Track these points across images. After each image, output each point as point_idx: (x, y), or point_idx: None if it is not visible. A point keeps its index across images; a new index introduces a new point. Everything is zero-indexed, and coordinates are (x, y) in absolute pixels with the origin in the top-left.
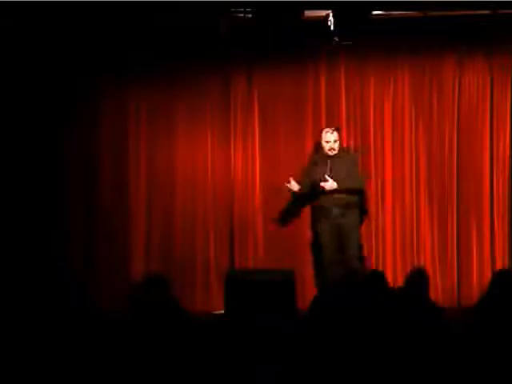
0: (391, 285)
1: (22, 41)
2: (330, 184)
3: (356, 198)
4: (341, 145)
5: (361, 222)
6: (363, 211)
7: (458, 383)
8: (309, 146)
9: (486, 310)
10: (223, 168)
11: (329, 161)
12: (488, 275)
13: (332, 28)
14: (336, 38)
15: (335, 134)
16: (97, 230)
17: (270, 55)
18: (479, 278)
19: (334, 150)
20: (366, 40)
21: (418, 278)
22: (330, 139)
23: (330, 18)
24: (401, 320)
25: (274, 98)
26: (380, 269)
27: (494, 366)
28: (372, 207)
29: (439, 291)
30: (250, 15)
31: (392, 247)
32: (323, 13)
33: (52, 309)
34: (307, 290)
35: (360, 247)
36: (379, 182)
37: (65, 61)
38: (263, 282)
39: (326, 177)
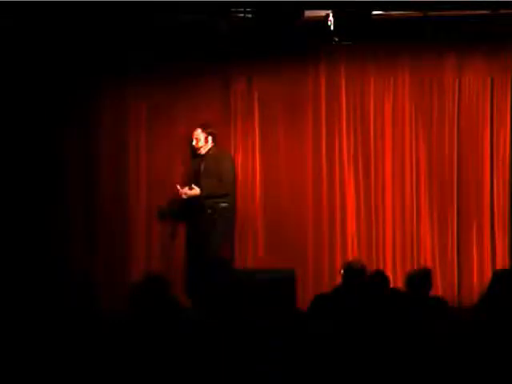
0: (391, 285)
1: (22, 41)
2: (190, 192)
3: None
4: (215, 144)
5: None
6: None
7: (458, 383)
8: (309, 146)
9: (486, 309)
10: None
11: (202, 160)
12: (488, 275)
13: (332, 28)
14: (336, 38)
15: (197, 131)
16: (97, 230)
17: (269, 55)
18: (479, 278)
19: (196, 148)
20: (365, 40)
21: (421, 278)
22: (193, 136)
23: (330, 18)
24: (402, 320)
25: (274, 98)
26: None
27: (494, 365)
28: (372, 207)
29: (439, 291)
30: (250, 15)
31: (392, 247)
32: (323, 13)
33: (52, 309)
34: (307, 290)
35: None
36: (379, 181)
37: (65, 61)
38: (263, 282)
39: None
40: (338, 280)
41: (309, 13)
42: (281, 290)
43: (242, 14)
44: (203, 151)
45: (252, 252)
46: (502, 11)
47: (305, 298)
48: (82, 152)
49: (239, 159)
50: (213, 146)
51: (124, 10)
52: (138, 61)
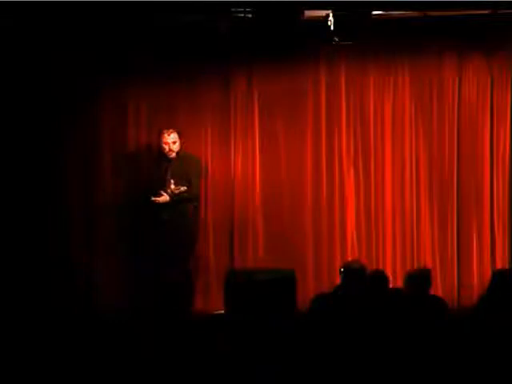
0: (391, 285)
1: (22, 41)
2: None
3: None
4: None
5: None
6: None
7: (458, 382)
8: (309, 146)
9: (485, 309)
10: (223, 168)
11: (168, 164)
12: (488, 275)
13: (332, 28)
14: (336, 38)
15: (174, 135)
16: (97, 230)
17: (269, 55)
18: (479, 278)
19: (170, 152)
20: (365, 40)
21: (421, 278)
22: (168, 141)
23: (330, 18)
24: (402, 320)
25: (273, 98)
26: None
27: (494, 365)
28: (372, 207)
29: (439, 291)
30: (250, 15)
31: (392, 247)
32: (323, 13)
33: (52, 308)
34: (307, 290)
35: None
36: (379, 181)
37: (65, 61)
38: (263, 282)
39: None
40: (338, 280)
41: (309, 13)
42: (281, 290)
43: (242, 14)
44: (174, 154)
45: (252, 252)
46: (502, 11)
47: (305, 298)
48: (81, 152)
49: (239, 159)
50: (180, 149)
51: (124, 10)
52: (137, 61)
